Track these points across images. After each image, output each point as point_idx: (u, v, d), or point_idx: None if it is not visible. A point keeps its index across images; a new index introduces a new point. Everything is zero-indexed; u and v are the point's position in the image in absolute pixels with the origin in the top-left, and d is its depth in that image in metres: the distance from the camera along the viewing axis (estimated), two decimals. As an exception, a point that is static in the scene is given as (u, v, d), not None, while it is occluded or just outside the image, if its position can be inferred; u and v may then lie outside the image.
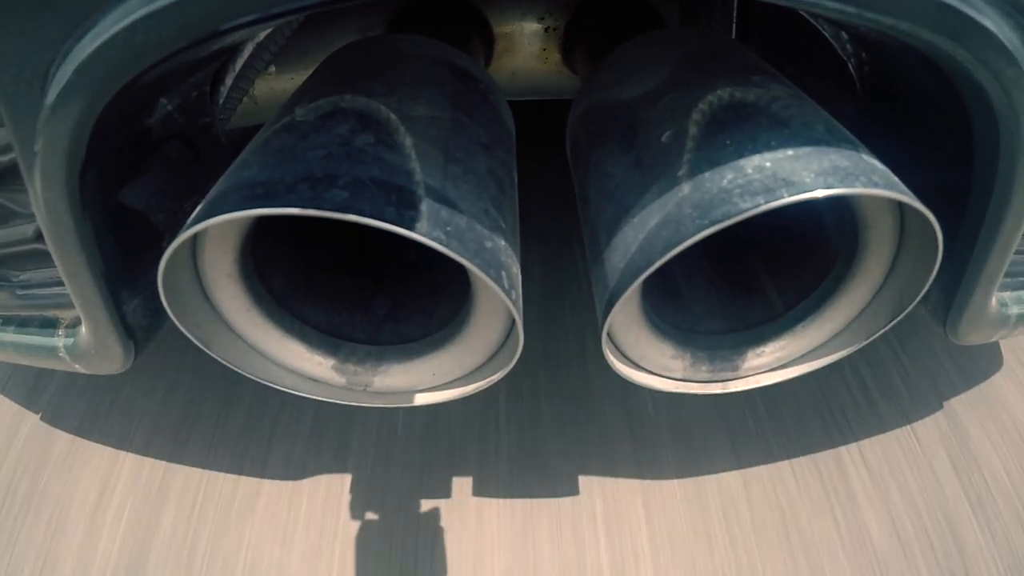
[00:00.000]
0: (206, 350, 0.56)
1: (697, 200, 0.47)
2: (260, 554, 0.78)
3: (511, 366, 0.56)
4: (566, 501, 0.81)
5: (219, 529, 0.80)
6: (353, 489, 0.83)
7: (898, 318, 0.60)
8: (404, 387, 0.62)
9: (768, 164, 0.46)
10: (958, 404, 0.90)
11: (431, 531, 0.79)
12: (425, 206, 0.45)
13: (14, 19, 0.41)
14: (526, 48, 0.98)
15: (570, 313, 1.01)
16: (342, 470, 0.85)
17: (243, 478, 0.84)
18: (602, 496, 0.81)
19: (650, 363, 0.62)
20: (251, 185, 0.44)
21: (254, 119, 0.88)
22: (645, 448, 0.86)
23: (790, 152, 0.47)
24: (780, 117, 0.50)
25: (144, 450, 0.88)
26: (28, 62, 0.42)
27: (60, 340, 0.64)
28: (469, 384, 0.60)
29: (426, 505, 0.81)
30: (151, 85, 0.55)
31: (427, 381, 0.61)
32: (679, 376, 0.63)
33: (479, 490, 0.82)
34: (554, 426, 0.88)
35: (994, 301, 0.62)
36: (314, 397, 0.61)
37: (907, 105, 0.64)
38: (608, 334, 0.56)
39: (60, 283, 0.56)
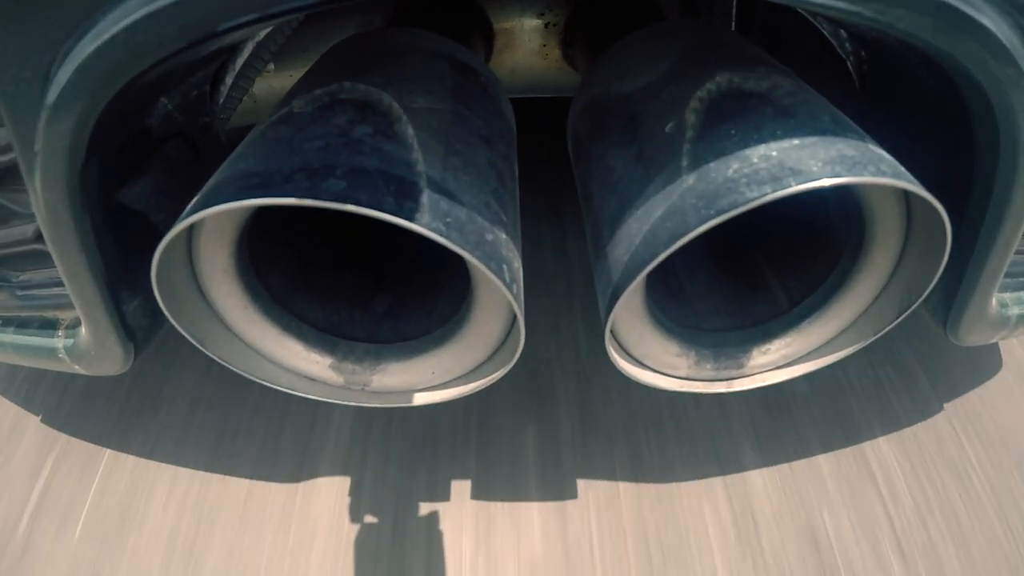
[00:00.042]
0: (202, 348, 0.55)
1: (702, 190, 0.46)
2: (260, 554, 0.77)
3: (512, 364, 0.55)
4: (566, 503, 0.80)
5: (217, 530, 0.79)
6: (352, 491, 0.82)
7: (905, 314, 0.59)
8: (403, 386, 0.61)
9: (774, 153, 0.45)
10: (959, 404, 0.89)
11: (430, 533, 0.78)
12: (425, 197, 0.44)
13: (14, 19, 0.41)
14: (526, 44, 0.97)
15: (572, 310, 1.00)
16: (341, 472, 0.84)
17: (241, 479, 0.84)
18: (603, 497, 0.80)
19: (654, 361, 0.61)
20: (247, 176, 0.43)
21: (254, 118, 0.87)
22: (646, 449, 0.85)
23: (796, 141, 0.46)
24: (785, 107, 0.49)
25: (142, 451, 0.87)
26: (28, 62, 0.42)
27: (60, 341, 0.64)
28: (469, 383, 0.59)
29: (425, 507, 0.80)
30: (151, 85, 0.55)
31: (426, 380, 0.60)
32: (683, 374, 0.62)
33: (478, 492, 0.81)
34: (554, 427, 0.87)
35: (994, 302, 0.62)
36: (311, 397, 0.60)
37: (906, 104, 0.63)
38: (611, 331, 0.55)
39: (60, 284, 0.56)
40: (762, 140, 0.46)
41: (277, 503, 0.81)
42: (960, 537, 0.76)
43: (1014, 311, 0.64)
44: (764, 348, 0.63)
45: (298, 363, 0.60)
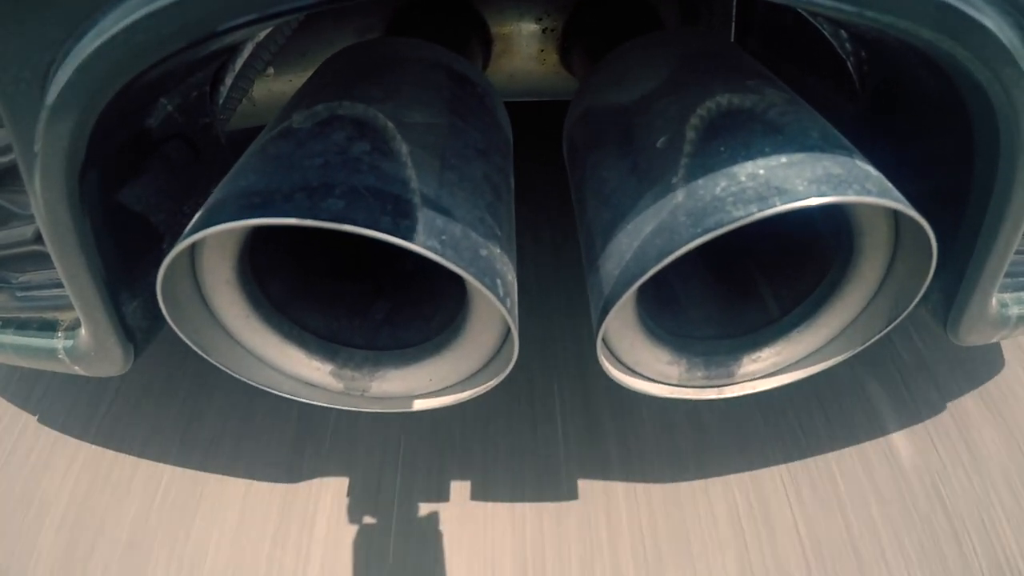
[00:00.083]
0: (205, 356, 0.56)
1: (691, 208, 0.47)
2: (259, 555, 0.78)
3: (507, 372, 0.56)
4: (566, 503, 0.81)
5: (215, 530, 0.80)
6: (352, 491, 0.83)
7: (893, 323, 0.60)
8: (401, 392, 0.62)
9: (761, 172, 0.46)
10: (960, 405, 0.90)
11: (429, 534, 0.79)
12: (420, 215, 0.45)
13: (14, 19, 0.41)
14: (524, 49, 0.98)
15: (566, 318, 1.01)
16: (340, 472, 0.85)
17: (240, 479, 0.85)
18: (603, 497, 0.82)
19: (646, 369, 0.62)
20: (248, 194, 0.44)
21: (253, 120, 0.88)
22: (646, 451, 0.86)
23: (784, 159, 0.47)
24: (775, 123, 0.50)
25: (141, 451, 0.88)
26: (28, 62, 0.42)
27: (60, 342, 0.64)
28: (465, 390, 0.60)
29: (425, 507, 0.81)
30: (151, 85, 0.55)
31: (424, 386, 0.62)
32: (675, 382, 0.63)
33: (477, 493, 0.83)
34: (554, 428, 0.89)
35: (994, 302, 0.62)
36: (312, 402, 0.61)
37: (907, 105, 0.64)
38: (603, 340, 0.56)
39: (60, 285, 0.56)
40: (750, 157, 0.47)
41: (276, 503, 0.82)
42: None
43: (1014, 311, 0.64)
44: (754, 356, 0.64)
45: (299, 369, 0.62)
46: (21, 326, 0.67)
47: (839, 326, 0.63)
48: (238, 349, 0.59)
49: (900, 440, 0.87)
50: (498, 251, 0.49)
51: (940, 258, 0.52)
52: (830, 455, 0.85)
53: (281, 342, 0.60)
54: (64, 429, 0.92)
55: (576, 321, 1.01)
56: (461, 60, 0.65)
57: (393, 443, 0.88)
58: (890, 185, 0.48)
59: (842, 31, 0.69)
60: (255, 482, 0.84)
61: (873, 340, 0.61)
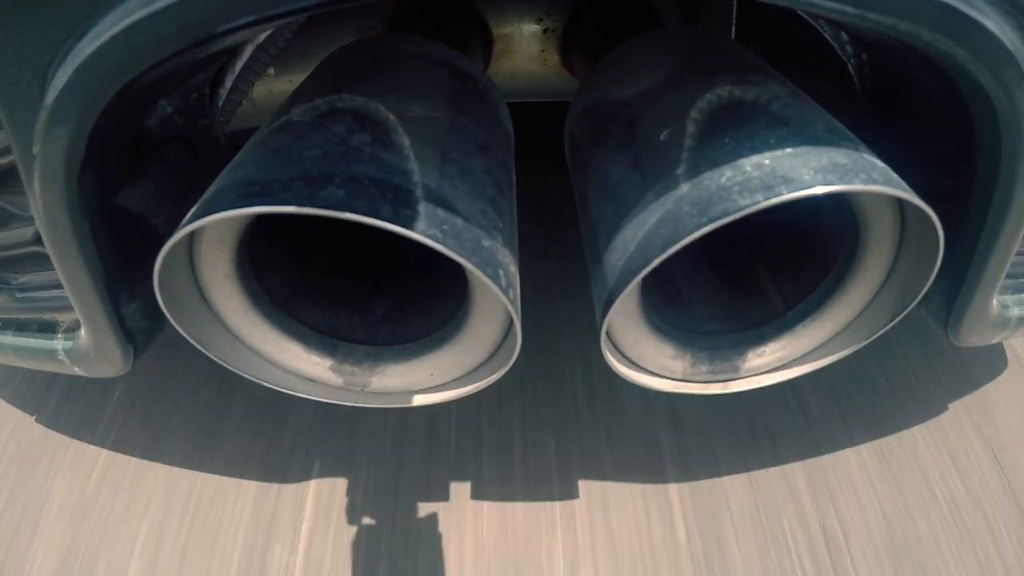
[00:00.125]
0: (203, 350, 0.56)
1: (696, 198, 0.46)
2: (257, 555, 0.77)
3: (509, 366, 0.55)
4: (566, 503, 0.80)
5: (214, 530, 0.80)
6: (351, 491, 0.83)
7: (899, 317, 0.59)
8: (402, 387, 0.61)
9: (767, 162, 0.46)
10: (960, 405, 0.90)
11: (430, 533, 0.78)
12: (421, 205, 0.44)
13: (14, 19, 0.41)
14: (525, 49, 0.98)
15: (570, 313, 1.01)
16: (341, 472, 0.85)
17: (239, 479, 0.84)
18: (603, 497, 0.81)
19: (650, 363, 0.62)
20: (246, 184, 0.44)
21: (253, 121, 0.87)
22: (646, 451, 0.85)
23: (789, 150, 0.47)
24: (779, 115, 0.50)
25: (140, 451, 0.88)
26: (28, 62, 0.42)
27: (59, 343, 0.64)
28: (467, 385, 0.60)
29: (424, 507, 0.80)
30: (151, 86, 0.55)
31: (425, 381, 0.61)
32: (679, 376, 0.63)
33: (478, 492, 0.82)
34: (554, 429, 0.88)
35: (995, 303, 0.62)
36: (311, 397, 0.61)
37: (908, 106, 0.64)
38: (607, 334, 0.55)
39: (59, 286, 0.56)
40: (755, 148, 0.47)
41: (275, 503, 0.82)
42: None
43: (1015, 312, 0.64)
44: (759, 351, 0.64)
45: (298, 365, 0.61)
46: (21, 327, 0.67)
47: (845, 320, 0.62)
48: (237, 344, 0.59)
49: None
50: (500, 243, 0.49)
51: (941, 259, 0.51)
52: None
53: (280, 337, 0.60)
54: (64, 429, 0.91)
55: (578, 319, 1.00)
56: (462, 57, 0.65)
57: (393, 442, 0.87)
58: (896, 176, 0.48)
59: (843, 33, 0.69)
60: (254, 482, 0.84)
61: (879, 334, 0.61)
